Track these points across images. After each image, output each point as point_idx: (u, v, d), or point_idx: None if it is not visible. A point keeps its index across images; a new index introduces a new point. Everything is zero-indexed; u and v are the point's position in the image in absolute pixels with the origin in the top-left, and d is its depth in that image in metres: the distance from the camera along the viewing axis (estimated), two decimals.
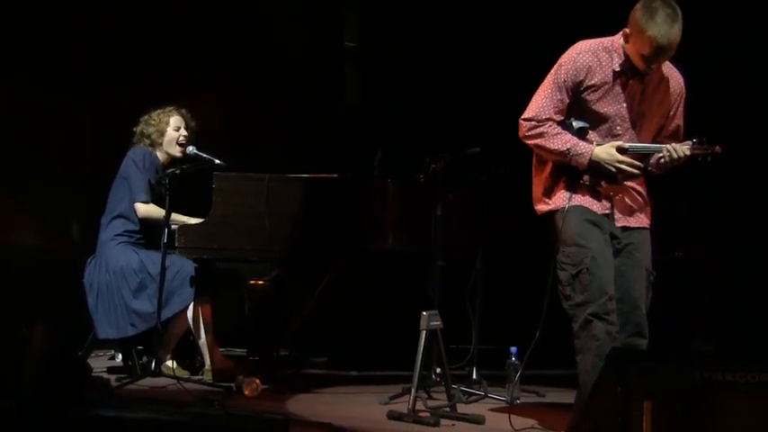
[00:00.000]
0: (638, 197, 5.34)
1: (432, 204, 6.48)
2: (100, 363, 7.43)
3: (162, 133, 7.08)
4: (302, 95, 8.41)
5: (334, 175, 6.85)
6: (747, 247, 7.57)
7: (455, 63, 8.50)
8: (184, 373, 6.86)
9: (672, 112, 5.33)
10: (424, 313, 5.87)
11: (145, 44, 8.14)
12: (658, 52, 4.98)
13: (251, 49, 8.35)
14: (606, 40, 5.20)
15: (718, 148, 5.13)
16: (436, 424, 5.58)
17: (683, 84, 5.31)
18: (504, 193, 6.77)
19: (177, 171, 6.69)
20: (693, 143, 5.15)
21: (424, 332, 5.83)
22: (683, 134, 5.40)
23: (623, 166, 5.16)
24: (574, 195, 5.24)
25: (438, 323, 5.90)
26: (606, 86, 5.16)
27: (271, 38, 8.40)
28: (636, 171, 5.19)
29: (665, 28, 4.90)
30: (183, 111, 7.18)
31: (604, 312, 5.07)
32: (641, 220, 5.33)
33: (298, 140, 8.19)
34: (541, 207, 5.38)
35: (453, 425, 5.65)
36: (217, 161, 6.78)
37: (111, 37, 8.09)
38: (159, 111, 7.14)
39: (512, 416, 5.46)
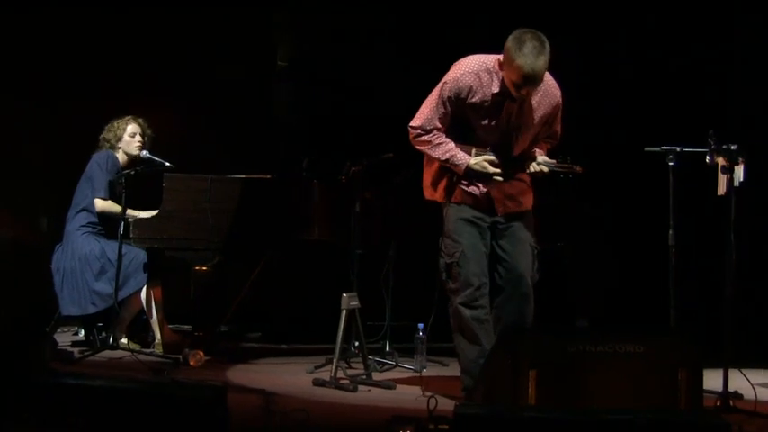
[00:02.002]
0: (519, 182, 5.26)
1: (352, 202, 6.48)
2: (65, 338, 7.33)
3: (119, 138, 7.02)
4: (241, 108, 8.35)
5: (268, 176, 6.82)
6: (614, 239, 7.66)
7: (371, 81, 8.48)
8: (138, 347, 6.80)
9: (549, 121, 5.26)
10: (345, 295, 5.88)
11: (107, 63, 8.11)
12: (525, 81, 4.86)
13: (198, 69, 8.28)
14: (490, 61, 5.08)
15: (579, 168, 5.05)
16: (354, 390, 5.59)
17: (559, 96, 5.21)
18: (412, 191, 6.77)
19: (132, 172, 6.67)
20: (557, 162, 5.08)
21: (345, 311, 5.84)
22: (561, 135, 5.37)
23: (494, 177, 5.12)
24: (455, 191, 5.22)
25: (356, 303, 5.91)
26: (486, 104, 5.08)
27: (215, 59, 8.34)
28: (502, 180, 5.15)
29: (530, 59, 4.79)
30: (140, 120, 7.12)
31: (471, 301, 5.10)
32: (521, 204, 5.26)
33: (237, 146, 8.14)
34: (429, 194, 5.39)
35: (369, 390, 5.67)
36: (167, 163, 6.77)
37: (77, 56, 8.06)
38: (119, 120, 7.09)
39: (419, 382, 5.52)
